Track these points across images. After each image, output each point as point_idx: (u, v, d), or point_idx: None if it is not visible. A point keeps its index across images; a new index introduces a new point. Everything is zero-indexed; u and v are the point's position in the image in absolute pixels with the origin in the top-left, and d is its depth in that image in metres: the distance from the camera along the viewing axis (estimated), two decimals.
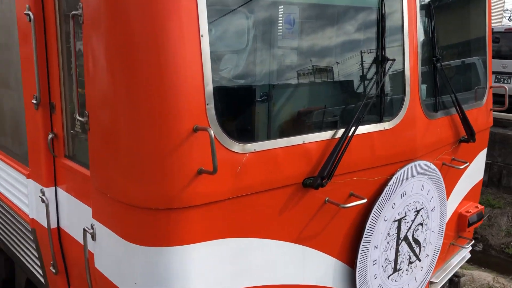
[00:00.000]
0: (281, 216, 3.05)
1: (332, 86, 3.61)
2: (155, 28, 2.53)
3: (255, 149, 2.87)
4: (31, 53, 3.45)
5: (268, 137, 3.19)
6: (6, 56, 3.94)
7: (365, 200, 3.33)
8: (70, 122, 3.49)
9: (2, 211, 4.49)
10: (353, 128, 3.17)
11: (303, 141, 3.07)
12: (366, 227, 3.43)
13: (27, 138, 3.79)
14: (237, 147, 2.79)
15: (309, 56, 3.49)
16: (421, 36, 3.80)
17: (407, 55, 3.60)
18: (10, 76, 3.93)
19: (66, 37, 3.37)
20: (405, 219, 3.71)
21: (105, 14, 2.66)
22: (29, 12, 3.34)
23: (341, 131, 3.21)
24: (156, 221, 2.71)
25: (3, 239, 4.76)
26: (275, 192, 2.99)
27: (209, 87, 2.66)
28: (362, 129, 3.35)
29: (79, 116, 3.03)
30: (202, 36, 2.60)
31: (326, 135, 3.18)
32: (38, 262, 4.06)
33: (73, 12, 2.84)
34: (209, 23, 2.65)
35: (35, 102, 3.50)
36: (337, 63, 3.59)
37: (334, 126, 3.35)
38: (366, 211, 3.46)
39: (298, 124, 3.30)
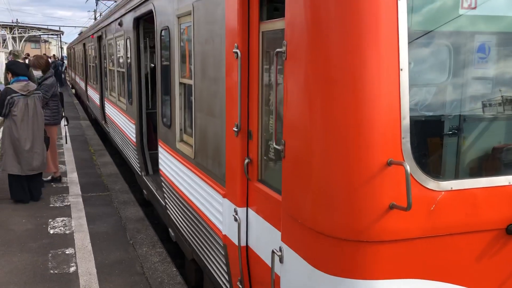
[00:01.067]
0: (479, 263, 2.79)
1: None
2: (355, 62, 2.61)
3: (451, 188, 2.70)
4: (235, 86, 3.86)
5: (466, 176, 2.97)
6: (214, 88, 4.48)
7: None
8: (264, 149, 3.77)
9: (199, 225, 5.02)
10: None
11: (509, 182, 2.78)
12: None
13: (226, 161, 4.21)
14: (432, 184, 2.67)
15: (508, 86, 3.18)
16: None
17: None
18: (216, 106, 4.44)
19: (266, 72, 3.68)
20: None
21: (306, 50, 2.84)
22: (237, 50, 3.74)
23: None
24: (344, 251, 2.73)
25: (197, 250, 5.31)
26: (472, 236, 2.76)
27: (406, 121, 2.61)
28: None
29: (276, 144, 3.25)
30: (401, 70, 2.58)
31: None
32: (226, 276, 4.42)
33: (278, 49, 3.10)
34: (409, 56, 2.62)
35: (235, 129, 3.87)
36: None
37: None
38: None
39: (503, 162, 3.00)
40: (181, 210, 5.74)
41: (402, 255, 2.69)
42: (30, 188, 8.41)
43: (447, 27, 2.86)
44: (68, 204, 8.44)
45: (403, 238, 2.65)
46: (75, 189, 9.38)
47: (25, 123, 7.90)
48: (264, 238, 3.72)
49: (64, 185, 9.58)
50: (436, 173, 2.77)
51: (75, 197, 8.86)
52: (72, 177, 10.25)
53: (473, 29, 3.04)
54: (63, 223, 7.47)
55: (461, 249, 2.78)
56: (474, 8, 2.83)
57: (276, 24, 3.39)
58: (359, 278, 2.70)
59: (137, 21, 8.41)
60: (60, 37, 67.58)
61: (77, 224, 7.43)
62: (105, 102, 13.66)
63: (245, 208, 4.00)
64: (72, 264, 6.02)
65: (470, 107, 3.22)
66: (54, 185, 9.51)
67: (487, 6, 2.88)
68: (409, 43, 2.60)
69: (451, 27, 2.87)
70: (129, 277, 5.76)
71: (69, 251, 6.42)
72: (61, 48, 67.54)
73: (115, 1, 15.14)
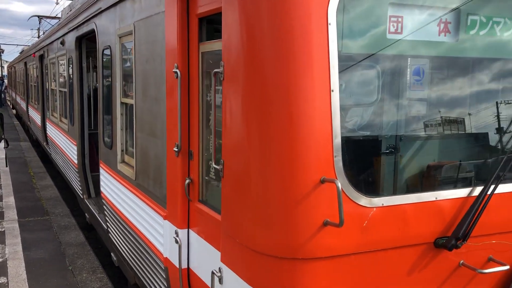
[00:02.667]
0: (410, 276, 2.88)
1: (467, 139, 3.41)
2: (288, 84, 2.68)
3: (383, 204, 2.80)
4: (175, 106, 3.84)
5: (397, 192, 3.09)
6: (155, 108, 4.44)
7: (507, 267, 3.01)
8: (205, 168, 3.76)
9: (141, 248, 4.90)
10: (492, 186, 2.94)
11: (436, 198, 2.92)
12: None
13: (167, 182, 4.15)
14: (364, 200, 2.75)
15: (440, 108, 3.37)
16: None
17: None
18: (157, 126, 4.40)
19: (206, 92, 3.70)
20: None
21: (243, 71, 2.89)
22: (177, 70, 3.75)
23: (478, 189, 2.99)
24: (281, 269, 2.75)
25: (139, 274, 5.16)
26: (403, 250, 2.86)
27: (338, 140, 2.70)
28: (503, 188, 3.08)
29: (215, 164, 3.26)
30: (332, 91, 2.68)
31: (461, 192, 2.98)
32: None
33: (215, 70, 3.13)
34: (340, 78, 2.72)
35: (176, 149, 3.85)
36: (471, 114, 3.40)
37: (470, 183, 3.13)
38: (508, 279, 3.11)
39: (430, 179, 3.15)
40: (122, 233, 5.58)
41: (337, 271, 2.74)
42: None
43: (376, 51, 3.00)
44: (3, 230, 7.99)
45: (338, 254, 2.70)
46: (11, 214, 8.90)
47: None
48: (205, 259, 3.68)
49: None
50: (368, 190, 2.87)
51: (10, 222, 8.41)
52: (8, 201, 9.73)
53: (402, 52, 3.20)
54: None
55: (394, 263, 2.87)
56: (400, 33, 2.99)
57: (214, 45, 3.43)
58: None
59: (79, 40, 8.24)
60: (0, 55, 64.85)
61: (12, 251, 7.04)
62: (47, 123, 13.18)
63: (186, 229, 3.95)
64: None
65: (403, 127, 3.37)
66: None
67: (414, 31, 3.05)
68: (339, 66, 2.71)
69: (380, 50, 3.02)
70: None
71: (1, 280, 6.05)
72: (1, 66, 64.77)
73: (59, 19, 14.77)
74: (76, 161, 8.53)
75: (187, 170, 3.87)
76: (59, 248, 7.25)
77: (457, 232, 2.86)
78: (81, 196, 8.52)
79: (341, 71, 2.75)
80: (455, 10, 3.08)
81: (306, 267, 2.69)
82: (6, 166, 11.12)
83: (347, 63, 2.87)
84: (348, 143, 2.82)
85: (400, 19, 2.98)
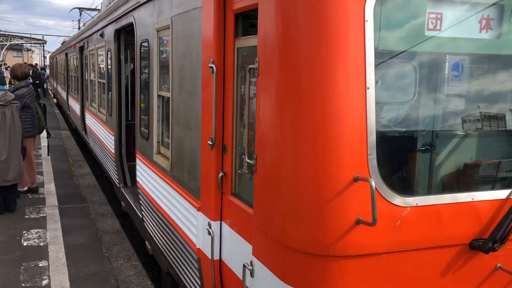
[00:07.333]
0: (444, 277, 2.85)
1: (506, 137, 3.31)
2: (323, 80, 2.67)
3: (417, 203, 2.77)
4: (210, 100, 3.89)
5: (432, 192, 3.05)
6: (190, 101, 4.51)
7: None
8: (238, 162, 3.80)
9: (174, 238, 5.01)
10: None
11: (472, 199, 2.86)
12: None
13: (201, 174, 4.22)
14: (398, 199, 2.73)
15: (478, 103, 3.28)
16: None
17: None
18: (192, 119, 4.47)
19: (240, 87, 3.73)
20: None
21: (277, 68, 2.90)
22: (213, 65, 3.79)
23: None
24: (311, 266, 2.76)
25: (172, 263, 5.29)
26: (437, 251, 2.82)
27: (372, 137, 2.68)
28: None
29: (248, 159, 3.29)
30: (368, 88, 2.65)
31: (499, 193, 2.91)
32: None
33: (250, 66, 3.16)
34: (376, 75, 2.70)
35: (210, 143, 3.90)
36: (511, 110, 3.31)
37: (509, 183, 3.05)
38: None
39: (466, 179, 3.09)
40: (157, 222, 5.71)
41: (368, 269, 2.74)
42: (5, 199, 8.27)
43: (413, 48, 2.95)
44: (44, 215, 8.32)
45: (369, 253, 2.70)
46: (51, 200, 9.25)
47: (1, 133, 7.80)
48: (236, 252, 3.73)
49: (41, 196, 9.45)
50: (402, 189, 2.84)
51: (51, 208, 8.74)
52: (49, 188, 10.11)
53: (440, 49, 3.13)
54: (38, 235, 7.36)
55: (427, 264, 2.84)
56: (439, 30, 2.93)
57: (250, 41, 3.45)
58: None
59: (118, 32, 8.42)
60: (43, 46, 66.97)
61: (52, 236, 7.33)
62: (86, 112, 13.57)
63: (219, 221, 4.02)
64: (45, 277, 5.92)
65: (439, 124, 3.31)
66: (30, 196, 9.37)
67: (453, 28, 2.98)
68: (376, 63, 2.68)
69: (417, 47, 2.97)
70: None
71: (42, 263, 6.32)
72: (44, 57, 66.93)
73: (99, 11, 15.12)
74: (113, 151, 8.76)
75: (221, 164, 3.92)
76: (96, 234, 7.49)
77: (495, 234, 2.80)
78: (118, 185, 8.76)
79: (378, 68, 2.72)
80: (498, 6, 2.98)
81: (336, 264, 2.70)
82: (48, 155, 11.54)
83: (383, 60, 2.84)
84: (383, 141, 2.80)
85: (439, 16, 2.92)
